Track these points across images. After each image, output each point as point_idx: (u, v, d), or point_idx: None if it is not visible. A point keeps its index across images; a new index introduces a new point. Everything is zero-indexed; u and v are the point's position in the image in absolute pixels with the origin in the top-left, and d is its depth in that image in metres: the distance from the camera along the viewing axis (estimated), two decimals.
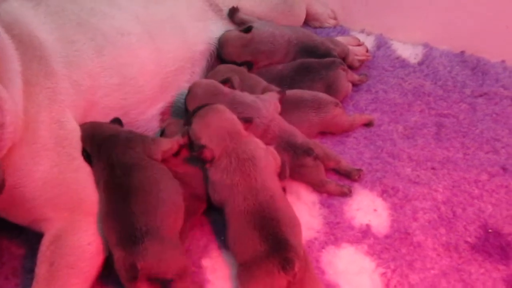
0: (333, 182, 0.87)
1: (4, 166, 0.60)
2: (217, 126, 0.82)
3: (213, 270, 0.75)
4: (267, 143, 0.84)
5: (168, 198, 0.72)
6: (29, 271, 0.71)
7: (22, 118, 0.64)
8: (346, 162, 0.91)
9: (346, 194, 0.86)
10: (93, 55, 0.83)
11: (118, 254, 0.66)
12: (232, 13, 1.14)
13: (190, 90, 0.93)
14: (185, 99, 0.93)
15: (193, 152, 0.80)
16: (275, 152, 0.83)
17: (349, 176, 0.89)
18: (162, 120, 0.96)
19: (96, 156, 0.75)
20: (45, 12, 0.80)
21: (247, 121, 0.86)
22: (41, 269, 0.64)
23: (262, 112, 0.91)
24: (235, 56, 1.08)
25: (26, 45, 0.70)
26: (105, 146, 0.76)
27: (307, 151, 0.87)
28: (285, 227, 0.70)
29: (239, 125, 0.84)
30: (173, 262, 0.66)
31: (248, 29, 1.09)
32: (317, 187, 0.87)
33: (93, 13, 0.88)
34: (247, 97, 0.93)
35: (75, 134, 0.74)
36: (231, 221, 0.73)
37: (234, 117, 0.85)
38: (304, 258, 0.68)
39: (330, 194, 0.87)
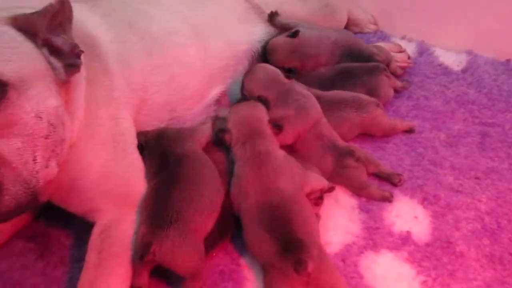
0: (374, 186, 0.87)
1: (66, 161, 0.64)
2: (243, 116, 0.87)
3: (251, 269, 0.76)
4: (312, 140, 0.86)
5: (208, 195, 0.74)
6: (77, 260, 0.74)
7: (83, 115, 0.68)
8: (385, 166, 0.90)
9: (387, 198, 0.85)
10: (143, 54, 0.86)
11: (141, 229, 0.68)
12: (272, 17, 1.16)
13: (252, 71, 0.98)
14: (244, 76, 0.98)
15: (215, 138, 0.85)
16: (316, 175, 0.84)
17: (390, 179, 0.89)
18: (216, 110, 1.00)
19: (149, 148, 0.78)
20: (100, 14, 0.84)
21: (276, 128, 0.87)
22: (90, 256, 0.67)
23: (315, 106, 0.92)
24: (284, 62, 1.10)
25: (88, 45, 0.74)
26: (158, 138, 0.80)
27: (350, 152, 0.87)
28: (297, 226, 0.69)
29: (266, 126, 0.87)
30: (186, 260, 0.67)
31: (295, 34, 1.10)
32: (358, 190, 0.87)
33: (142, 14, 0.91)
34: (303, 90, 0.95)
35: (130, 131, 0.78)
36: (245, 224, 0.74)
37: (265, 118, 0.88)
38: (319, 256, 0.68)
39: (371, 198, 0.86)
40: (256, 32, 1.12)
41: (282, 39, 1.12)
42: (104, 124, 0.72)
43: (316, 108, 0.94)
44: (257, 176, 0.77)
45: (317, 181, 0.81)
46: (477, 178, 0.90)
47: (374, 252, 0.78)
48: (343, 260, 0.76)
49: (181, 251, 0.67)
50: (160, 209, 0.69)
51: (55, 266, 0.77)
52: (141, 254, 0.65)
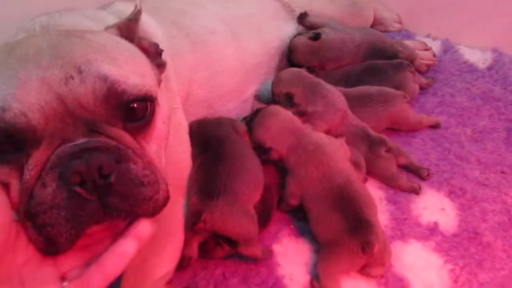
0: (404, 177, 0.89)
1: None
2: (277, 127, 0.88)
3: (283, 255, 0.79)
4: (343, 131, 0.90)
5: (251, 169, 0.80)
6: None
7: None
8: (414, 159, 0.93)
9: (415, 190, 0.88)
10: (190, 50, 0.91)
11: (192, 200, 0.74)
12: (302, 18, 1.19)
13: (277, 76, 1.02)
14: (272, 83, 1.02)
15: (262, 156, 0.86)
16: (343, 142, 0.87)
17: (418, 173, 0.91)
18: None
19: (191, 133, 0.84)
20: (146, 11, 0.88)
21: (302, 114, 0.93)
22: None
23: (341, 98, 0.95)
24: (303, 61, 1.13)
25: (145, 36, 0.78)
26: (199, 125, 0.86)
27: (382, 141, 0.90)
28: (364, 207, 0.74)
29: (297, 121, 0.90)
30: (237, 226, 0.73)
31: (316, 37, 1.13)
32: (388, 180, 0.90)
33: (183, 13, 0.96)
34: (328, 85, 1.00)
35: (184, 119, 0.82)
36: (311, 208, 0.78)
37: (290, 114, 0.91)
38: (383, 239, 0.72)
39: (400, 189, 0.89)
40: (287, 29, 1.16)
41: (303, 39, 1.15)
42: (166, 112, 0.75)
43: (342, 102, 0.97)
44: (319, 170, 0.80)
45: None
46: (503, 172, 0.92)
47: (402, 242, 0.81)
48: None
49: (230, 218, 0.72)
50: (209, 182, 0.75)
51: None
52: (193, 222, 0.71)
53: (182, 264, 0.73)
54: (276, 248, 0.81)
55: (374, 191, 0.90)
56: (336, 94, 0.98)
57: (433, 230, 0.82)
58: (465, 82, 1.17)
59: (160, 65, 0.66)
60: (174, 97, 0.82)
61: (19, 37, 0.69)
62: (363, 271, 0.74)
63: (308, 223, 0.79)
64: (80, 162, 0.44)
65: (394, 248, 0.79)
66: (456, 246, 0.79)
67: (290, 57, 1.15)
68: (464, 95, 1.13)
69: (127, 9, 0.75)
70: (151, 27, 0.85)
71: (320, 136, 0.86)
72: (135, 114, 0.51)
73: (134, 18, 0.63)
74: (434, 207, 0.86)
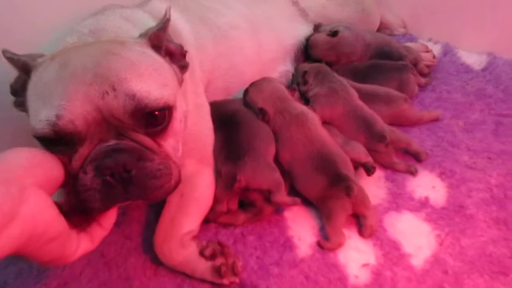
0: (402, 162, 1.01)
1: None
2: (269, 91, 1.04)
3: (293, 220, 0.92)
4: (349, 121, 1.04)
5: (262, 127, 0.98)
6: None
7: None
8: (416, 144, 1.05)
9: (412, 172, 1.00)
10: (212, 43, 1.04)
11: (224, 169, 0.88)
12: (317, 28, 1.34)
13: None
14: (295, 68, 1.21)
15: (257, 113, 1.01)
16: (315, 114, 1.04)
17: (418, 156, 1.03)
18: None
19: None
20: (177, 10, 1.01)
21: (292, 89, 1.11)
22: (173, 197, 0.83)
23: (347, 90, 1.08)
24: (322, 56, 1.27)
25: (175, 33, 0.90)
26: (214, 105, 0.99)
27: (381, 138, 1.01)
28: (341, 165, 0.89)
29: (286, 92, 1.07)
30: (266, 176, 0.87)
31: (335, 34, 1.27)
32: (387, 166, 1.02)
33: (210, 11, 1.09)
34: (340, 77, 1.14)
35: (206, 102, 0.96)
36: (297, 168, 0.93)
37: (282, 86, 1.08)
38: (359, 186, 0.89)
39: (398, 171, 1.01)
40: (301, 31, 1.31)
41: (323, 36, 1.29)
42: (189, 96, 0.88)
43: (348, 94, 1.09)
44: (301, 133, 0.96)
45: (354, 150, 0.97)
46: (489, 158, 1.03)
47: (396, 212, 0.92)
48: None
49: (259, 171, 0.86)
50: (233, 147, 0.89)
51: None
52: (231, 184, 0.84)
53: (214, 217, 0.90)
54: (287, 214, 0.93)
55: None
56: (343, 85, 1.11)
57: (424, 204, 0.93)
58: (461, 81, 1.29)
59: (183, 66, 0.80)
60: (198, 84, 0.95)
61: (70, 40, 0.83)
62: (360, 225, 0.88)
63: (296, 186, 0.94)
64: (110, 160, 0.61)
65: (389, 218, 0.91)
66: (443, 217, 0.90)
67: (310, 52, 1.29)
68: (459, 92, 1.25)
69: (162, 8, 0.86)
70: (180, 23, 0.98)
71: (300, 105, 1.03)
72: (155, 121, 0.67)
73: (163, 27, 0.74)
74: (426, 185, 0.98)
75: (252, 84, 1.06)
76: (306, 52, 1.29)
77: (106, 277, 0.82)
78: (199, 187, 0.86)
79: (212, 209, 0.88)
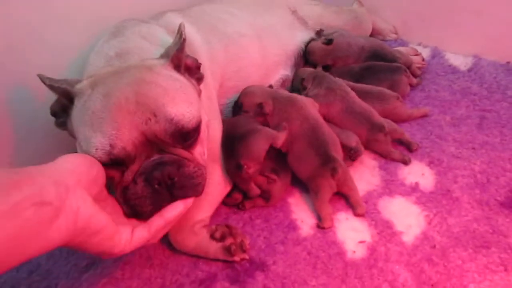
0: (397, 152, 1.11)
1: None
2: (260, 90, 1.15)
3: (296, 205, 1.01)
4: (348, 117, 1.14)
5: (241, 118, 1.12)
6: None
7: None
8: (408, 135, 1.16)
9: (406, 162, 1.09)
10: (222, 51, 1.14)
11: (230, 162, 0.98)
12: (318, 34, 1.45)
13: (301, 68, 1.35)
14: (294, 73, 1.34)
15: (258, 112, 1.10)
16: (350, 133, 1.12)
17: (409, 146, 1.14)
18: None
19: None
20: (190, 21, 1.10)
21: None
22: None
23: (344, 88, 1.19)
24: (319, 61, 1.39)
25: (187, 44, 0.99)
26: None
27: (381, 128, 1.11)
28: (331, 146, 1.00)
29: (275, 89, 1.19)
30: (258, 142, 0.99)
31: (329, 42, 1.38)
32: (384, 155, 1.12)
33: (219, 21, 1.20)
34: (336, 78, 1.25)
35: (217, 107, 1.07)
36: (294, 145, 1.02)
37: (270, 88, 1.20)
38: (344, 167, 0.99)
39: (393, 160, 1.11)
40: (301, 37, 1.43)
41: (319, 44, 1.40)
42: (204, 101, 0.97)
43: (345, 92, 1.19)
44: (296, 111, 1.07)
45: (348, 138, 1.07)
46: (474, 148, 1.13)
47: (389, 197, 1.02)
48: (366, 201, 1.00)
49: (252, 148, 0.97)
50: (228, 149, 1.01)
51: None
52: (241, 173, 0.94)
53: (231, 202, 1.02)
54: (291, 200, 1.03)
55: (369, 161, 1.12)
56: (340, 84, 1.21)
57: (414, 189, 1.03)
58: (448, 81, 1.40)
59: (199, 78, 0.90)
60: (210, 90, 1.06)
61: (98, 63, 0.91)
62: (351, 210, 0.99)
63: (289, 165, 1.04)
64: (158, 172, 0.73)
65: (383, 201, 1.00)
66: (432, 200, 0.99)
67: (308, 58, 1.40)
68: (447, 90, 1.35)
69: (176, 22, 0.96)
70: (192, 35, 1.08)
71: (288, 92, 1.17)
72: (188, 137, 0.78)
73: (181, 48, 0.84)
74: (416, 173, 1.07)
75: (242, 94, 1.16)
76: (305, 57, 1.41)
77: (129, 257, 0.92)
78: (211, 184, 0.95)
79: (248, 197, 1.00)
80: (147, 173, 0.73)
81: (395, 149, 1.13)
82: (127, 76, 0.77)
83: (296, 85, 1.31)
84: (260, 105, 1.10)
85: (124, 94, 0.73)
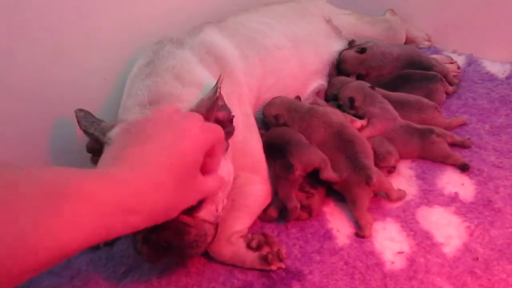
0: (457, 154, 1.09)
1: None
2: (279, 101, 1.16)
3: (331, 214, 1.00)
4: (392, 134, 1.13)
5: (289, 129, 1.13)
6: None
7: None
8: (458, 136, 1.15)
9: (466, 165, 1.07)
10: (259, 65, 1.14)
11: (277, 164, 0.99)
12: (351, 44, 1.44)
13: (344, 86, 1.29)
14: (340, 91, 1.29)
15: (273, 123, 1.12)
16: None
17: (464, 144, 1.13)
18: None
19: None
20: (227, 35, 1.11)
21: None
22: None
23: (391, 107, 1.19)
24: (351, 70, 1.38)
25: (223, 63, 1.01)
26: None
27: (431, 130, 1.10)
28: (361, 152, 1.00)
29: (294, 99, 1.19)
30: (313, 153, 1.00)
31: (362, 51, 1.38)
32: (445, 158, 1.09)
33: (256, 33, 1.20)
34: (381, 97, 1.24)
35: (254, 122, 1.07)
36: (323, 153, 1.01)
37: (291, 99, 1.19)
38: (377, 172, 0.98)
39: (455, 164, 1.08)
40: (335, 46, 1.43)
41: (352, 53, 1.39)
42: (239, 118, 0.98)
43: (392, 109, 1.19)
44: (317, 119, 1.08)
45: (382, 144, 1.09)
46: None
47: (428, 207, 0.99)
48: (404, 211, 0.98)
49: (306, 151, 0.99)
50: (274, 150, 1.03)
51: None
52: (290, 174, 0.95)
53: (265, 218, 1.02)
54: (326, 209, 1.02)
55: (406, 170, 1.10)
56: (387, 103, 1.20)
57: (453, 199, 1.00)
58: (486, 89, 1.36)
59: (230, 132, 0.85)
60: (246, 106, 1.06)
61: (132, 108, 0.85)
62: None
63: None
64: (154, 235, 0.78)
65: (421, 211, 0.98)
66: (472, 211, 0.96)
67: (340, 67, 1.39)
68: (485, 98, 1.32)
69: (213, 39, 0.97)
70: (229, 51, 1.08)
71: (307, 103, 1.18)
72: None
73: (213, 105, 0.77)
74: (455, 182, 1.04)
75: (265, 104, 1.17)
76: (338, 67, 1.40)
77: (167, 265, 0.93)
78: (251, 196, 0.95)
79: (287, 209, 0.98)
80: (145, 234, 0.77)
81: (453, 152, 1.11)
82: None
83: (331, 95, 1.31)
84: (276, 117, 1.13)
85: None
